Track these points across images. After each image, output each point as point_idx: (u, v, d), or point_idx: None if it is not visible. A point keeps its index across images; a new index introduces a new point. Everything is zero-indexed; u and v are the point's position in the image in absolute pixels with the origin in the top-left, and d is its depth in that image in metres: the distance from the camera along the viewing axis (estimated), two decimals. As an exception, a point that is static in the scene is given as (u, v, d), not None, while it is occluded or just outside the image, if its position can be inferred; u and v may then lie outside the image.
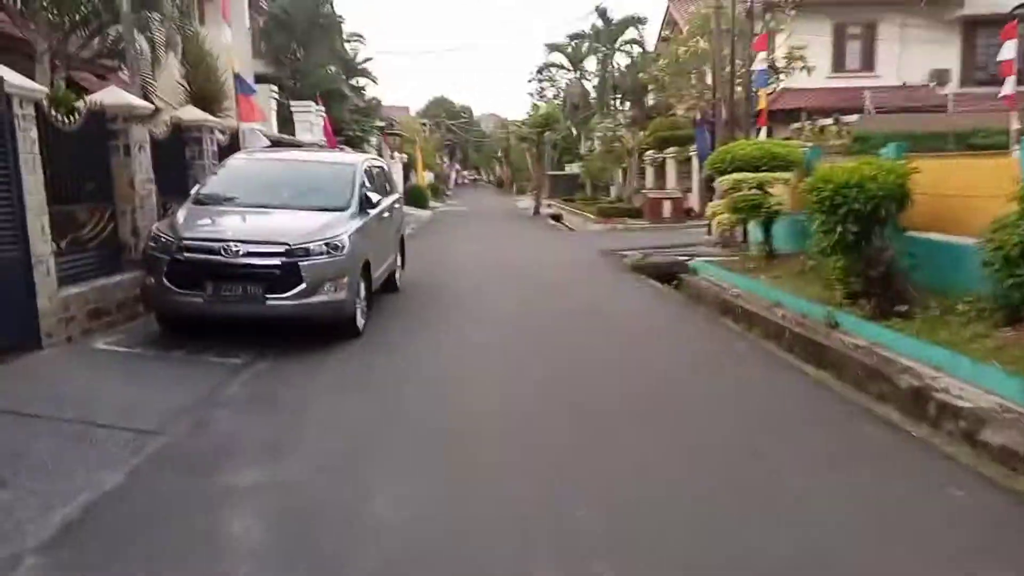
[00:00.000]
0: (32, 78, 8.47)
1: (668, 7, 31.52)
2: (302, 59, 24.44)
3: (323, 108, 21.57)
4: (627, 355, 7.52)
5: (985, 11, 23.15)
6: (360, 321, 7.90)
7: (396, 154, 40.15)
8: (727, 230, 13.25)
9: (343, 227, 7.63)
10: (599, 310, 10.06)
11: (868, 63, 25.28)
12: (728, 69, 18.46)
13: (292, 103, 21.63)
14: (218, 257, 6.88)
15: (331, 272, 7.23)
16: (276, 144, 13.13)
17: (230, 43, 12.22)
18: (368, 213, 8.49)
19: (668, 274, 12.88)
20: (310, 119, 21.33)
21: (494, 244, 20.23)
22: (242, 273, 6.89)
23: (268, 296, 6.94)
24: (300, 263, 7.01)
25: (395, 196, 11.04)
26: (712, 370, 6.93)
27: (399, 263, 11.14)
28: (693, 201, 24.52)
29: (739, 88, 18.66)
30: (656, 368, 6.96)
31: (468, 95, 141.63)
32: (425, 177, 45.14)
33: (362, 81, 32.50)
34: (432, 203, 39.32)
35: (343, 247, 7.37)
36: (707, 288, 10.73)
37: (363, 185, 8.71)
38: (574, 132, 39.29)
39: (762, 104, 14.58)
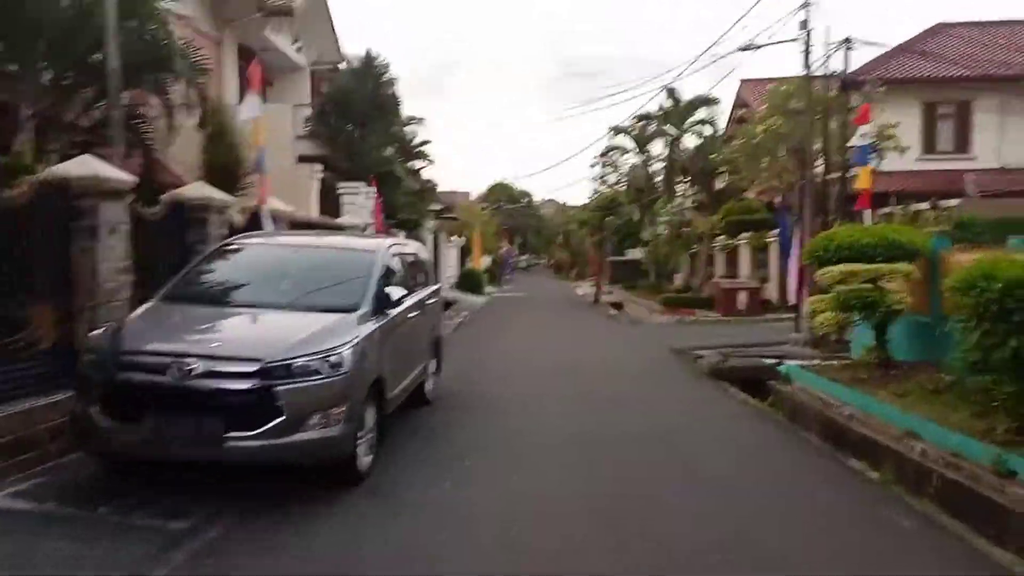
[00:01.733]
0: (7, 148, 7.16)
1: (739, 88, 30.16)
2: (357, 141, 23.71)
3: (375, 190, 20.47)
4: (732, 526, 5.25)
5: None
6: (364, 460, 5.87)
7: (453, 238, 39.20)
8: (831, 331, 11.13)
9: (347, 335, 5.74)
10: (681, 433, 8.06)
11: (963, 144, 23.18)
12: (816, 148, 16.76)
13: (341, 184, 20.55)
14: (164, 379, 5.02)
15: (323, 398, 5.29)
16: (299, 226, 11.60)
17: (259, 115, 10.88)
18: (387, 314, 6.66)
19: (754, 380, 10.90)
20: (357, 200, 20.13)
21: (551, 338, 18.22)
22: (195, 402, 5.03)
23: (230, 434, 5.01)
24: (277, 387, 5.09)
25: (430, 289, 9.20)
26: (863, 562, 4.70)
27: (433, 369, 9.23)
28: (772, 292, 22.39)
29: (820, 169, 16.98)
30: (780, 557, 4.72)
31: (529, 180, 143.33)
32: (482, 261, 44.12)
33: (421, 164, 31.73)
34: (488, 288, 38.08)
35: (343, 363, 5.45)
36: (807, 403, 8.70)
37: (384, 277, 6.95)
38: (636, 216, 37.46)
39: (865, 183, 12.55)
